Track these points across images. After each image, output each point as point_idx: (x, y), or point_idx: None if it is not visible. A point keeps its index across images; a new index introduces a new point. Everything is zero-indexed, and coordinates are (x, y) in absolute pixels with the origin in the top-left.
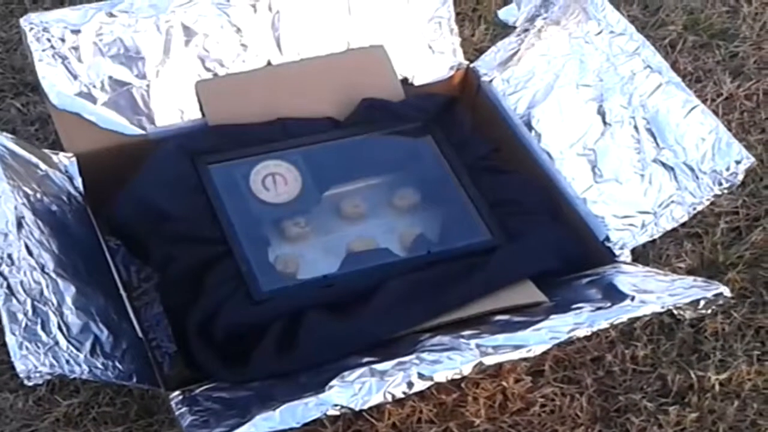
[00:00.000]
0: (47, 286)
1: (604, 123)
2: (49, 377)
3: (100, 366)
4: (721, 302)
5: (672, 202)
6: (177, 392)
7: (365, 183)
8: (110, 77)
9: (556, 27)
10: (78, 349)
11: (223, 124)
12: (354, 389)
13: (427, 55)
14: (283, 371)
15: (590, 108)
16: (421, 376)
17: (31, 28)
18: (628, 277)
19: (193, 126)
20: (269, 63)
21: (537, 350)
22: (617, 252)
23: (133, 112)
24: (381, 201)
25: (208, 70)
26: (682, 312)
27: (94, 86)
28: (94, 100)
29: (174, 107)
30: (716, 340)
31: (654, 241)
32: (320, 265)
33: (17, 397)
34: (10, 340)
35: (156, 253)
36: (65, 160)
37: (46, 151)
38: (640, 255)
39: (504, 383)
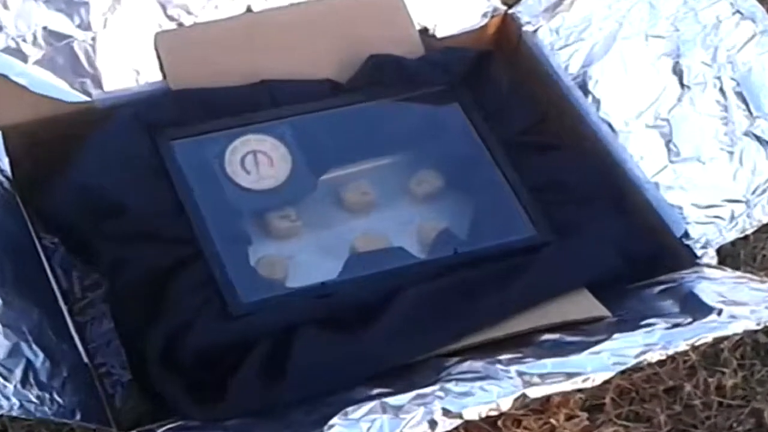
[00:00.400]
0: None
1: (682, 85)
2: None
3: (34, 399)
4: None
5: None
6: None
7: (374, 163)
8: (45, 28)
9: None
10: (6, 378)
11: (190, 89)
12: (361, 429)
13: None
14: (269, 406)
15: (663, 66)
16: (446, 412)
17: None
18: (714, 284)
19: (152, 91)
20: (249, 9)
21: (596, 379)
22: (699, 252)
23: (75, 73)
24: (394, 186)
25: (170, 18)
26: None
27: (25, 40)
28: (24, 58)
29: (127, 67)
30: None
31: (746, 237)
32: (316, 269)
33: None
34: None
35: (105, 255)
36: None
37: None
38: (729, 256)
39: (553, 421)
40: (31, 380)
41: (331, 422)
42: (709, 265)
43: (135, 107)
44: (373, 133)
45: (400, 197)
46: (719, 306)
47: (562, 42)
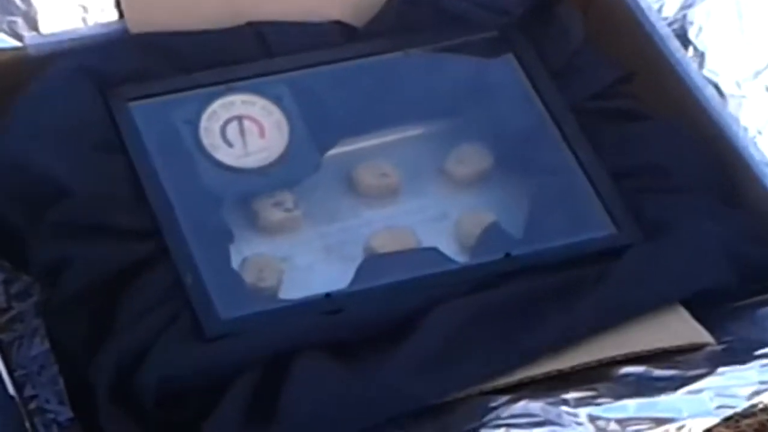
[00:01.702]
0: None
1: None
2: None
3: None
4: None
5: None
6: None
7: (398, 135)
8: None
9: None
10: None
11: (154, 32)
12: None
13: None
14: None
15: None
16: None
17: None
18: None
19: (104, 35)
20: None
21: (694, 427)
22: None
23: (3, 11)
24: (425, 166)
25: None
26: None
27: None
28: None
29: (71, 2)
30: None
31: None
32: (319, 275)
33: None
34: None
35: (40, 254)
36: None
37: None
38: None
39: None
40: None
41: None
42: None
43: (81, 57)
44: (398, 95)
45: (434, 181)
46: None
47: None
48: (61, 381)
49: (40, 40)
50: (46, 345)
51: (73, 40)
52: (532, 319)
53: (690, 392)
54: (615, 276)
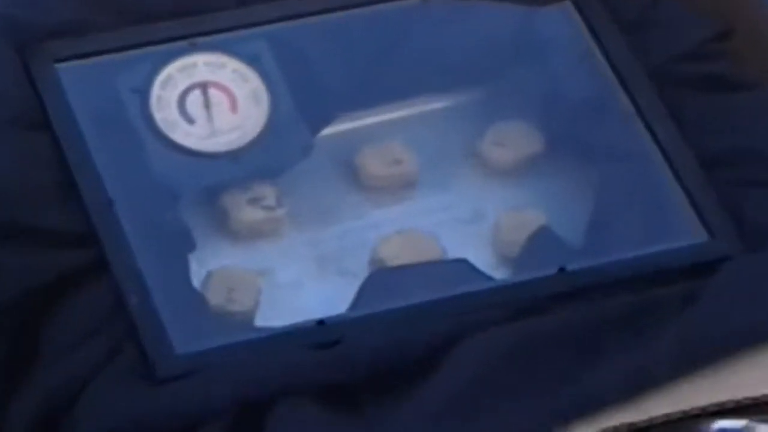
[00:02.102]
0: None
1: None
2: None
3: None
4: None
5: None
6: None
7: (415, 109)
8: None
9: None
10: None
11: None
12: None
13: None
14: None
15: None
16: None
17: None
18: None
19: None
20: None
21: None
22: None
23: None
24: (452, 150)
25: None
26: None
27: None
28: None
29: None
30: None
31: None
32: (310, 295)
33: None
34: None
35: None
36: None
37: None
38: None
39: None
40: None
41: None
42: None
43: None
44: (415, 55)
45: (463, 170)
46: None
47: None
48: None
49: None
50: None
51: None
52: (594, 356)
53: None
54: (705, 299)
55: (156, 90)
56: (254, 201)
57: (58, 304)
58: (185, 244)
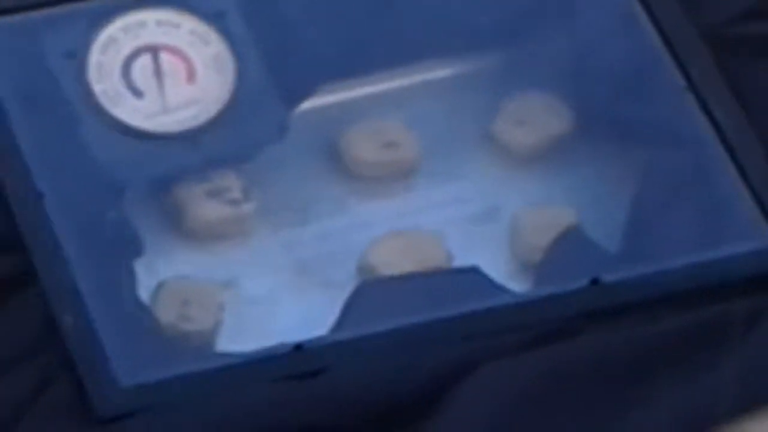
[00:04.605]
0: None
1: None
2: None
3: None
4: None
5: None
6: None
7: (413, 78)
8: None
9: None
10: None
11: None
12: None
13: None
14: None
15: None
16: None
17: None
18: None
19: None
20: None
21: None
22: None
23: None
24: (460, 130)
25: None
26: None
27: None
28: None
29: None
30: None
31: None
32: (285, 312)
33: None
34: None
35: None
36: None
37: None
38: None
39: None
40: None
41: None
42: None
43: None
44: (413, 12)
45: (474, 154)
46: None
47: None
48: None
49: None
50: None
51: None
52: (638, 388)
53: None
54: None
55: (95, 55)
56: (215, 194)
57: None
58: (131, 248)
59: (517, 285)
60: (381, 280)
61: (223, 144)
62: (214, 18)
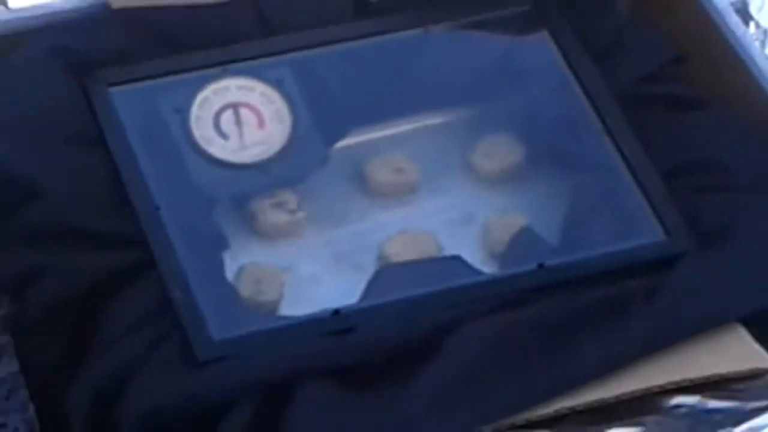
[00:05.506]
0: None
1: None
2: None
3: None
4: None
5: None
6: None
7: (416, 124)
8: None
9: None
10: None
11: (139, 7)
12: None
13: None
14: None
15: None
16: None
17: None
18: None
19: (81, 10)
20: None
21: None
22: None
23: None
24: (448, 160)
25: None
26: None
27: None
28: None
29: None
30: None
31: None
32: (326, 288)
33: None
34: None
35: (7, 262)
36: None
37: None
38: None
39: None
40: None
41: None
42: None
43: (54, 35)
44: (417, 78)
45: (457, 177)
46: None
47: None
48: (31, 408)
49: (8, 16)
50: (16, 366)
51: (46, 16)
52: (571, 341)
53: (750, 429)
54: (665, 291)
55: (194, 110)
56: (278, 205)
57: (112, 300)
58: (220, 244)
59: (487, 268)
60: (393, 265)
61: (283, 171)
62: (277, 83)
